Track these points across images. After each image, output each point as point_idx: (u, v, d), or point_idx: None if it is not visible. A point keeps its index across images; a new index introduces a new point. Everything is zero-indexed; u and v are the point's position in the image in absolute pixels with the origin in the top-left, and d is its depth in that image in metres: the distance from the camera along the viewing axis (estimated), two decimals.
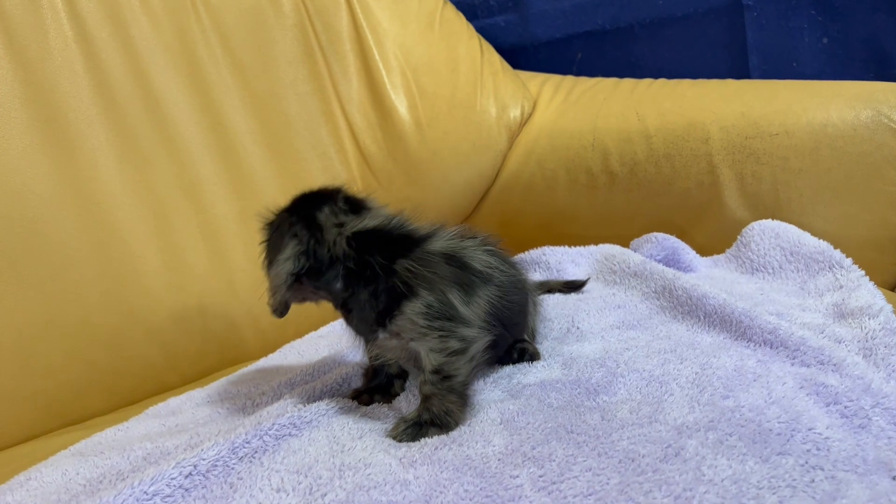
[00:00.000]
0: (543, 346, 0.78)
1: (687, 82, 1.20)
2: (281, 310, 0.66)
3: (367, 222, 0.66)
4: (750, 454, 0.52)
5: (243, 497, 0.55)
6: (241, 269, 1.06)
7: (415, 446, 0.60)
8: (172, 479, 0.56)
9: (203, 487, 0.57)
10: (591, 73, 1.38)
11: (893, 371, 0.63)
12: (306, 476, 0.56)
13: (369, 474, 0.56)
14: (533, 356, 0.75)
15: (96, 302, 0.92)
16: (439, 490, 0.53)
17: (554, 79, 1.37)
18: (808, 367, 0.65)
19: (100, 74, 0.97)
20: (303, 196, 0.70)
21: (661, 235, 1.01)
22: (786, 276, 0.89)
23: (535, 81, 1.36)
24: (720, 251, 1.02)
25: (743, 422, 0.56)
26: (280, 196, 1.12)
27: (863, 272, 0.83)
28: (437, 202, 1.26)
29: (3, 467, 0.74)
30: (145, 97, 1.01)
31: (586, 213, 1.19)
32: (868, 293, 0.77)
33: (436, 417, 0.63)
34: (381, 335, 0.65)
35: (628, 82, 1.26)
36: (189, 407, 0.79)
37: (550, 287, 0.96)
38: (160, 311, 0.97)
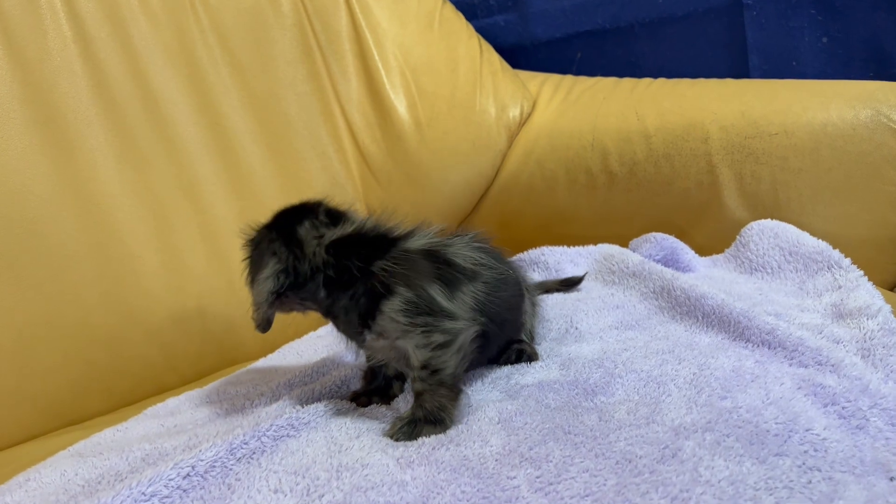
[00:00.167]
0: (542, 347, 0.79)
1: (686, 82, 1.20)
2: (264, 325, 0.67)
3: (344, 229, 0.67)
4: (747, 455, 0.52)
5: (241, 498, 0.55)
6: (240, 270, 1.05)
7: (412, 446, 0.60)
8: (170, 480, 0.56)
9: (201, 489, 0.57)
10: (591, 73, 1.38)
11: (892, 372, 0.63)
12: (304, 477, 0.56)
13: (367, 475, 0.56)
14: (531, 357, 0.75)
15: (95, 302, 0.92)
16: (436, 491, 0.53)
17: (553, 78, 1.37)
18: (806, 367, 0.65)
19: (99, 74, 0.97)
20: (284, 211, 0.70)
21: (660, 235, 1.01)
22: (784, 276, 0.89)
23: (535, 81, 1.36)
24: (719, 251, 1.02)
25: (740, 423, 0.56)
26: (279, 196, 1.13)
27: (861, 272, 0.83)
28: (437, 202, 1.26)
29: (3, 468, 0.74)
30: (144, 97, 1.01)
31: (585, 213, 1.19)
32: (867, 293, 0.77)
33: (429, 414, 0.63)
34: (368, 337, 0.65)
35: (628, 82, 1.26)
36: (188, 408, 0.79)
37: (548, 287, 0.96)
38: (159, 311, 0.97)
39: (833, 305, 0.77)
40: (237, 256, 1.06)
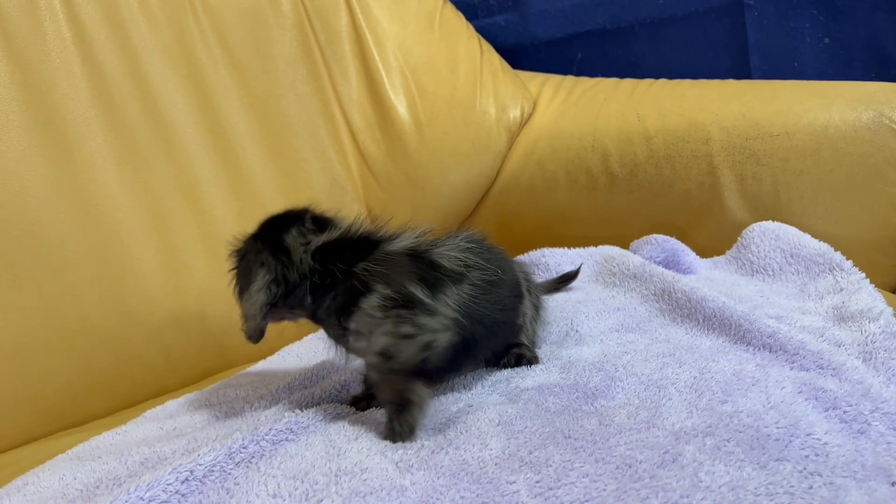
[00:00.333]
0: (542, 350, 0.78)
1: (687, 82, 1.19)
2: (257, 336, 0.67)
3: (330, 235, 0.66)
4: (748, 460, 0.52)
5: (240, 503, 0.54)
6: None
7: (411, 449, 0.60)
8: (169, 484, 0.56)
9: (199, 493, 0.57)
10: (592, 73, 1.38)
11: (893, 375, 0.63)
12: (303, 481, 0.56)
13: (366, 479, 0.56)
14: (530, 361, 0.74)
15: (95, 304, 0.92)
16: (436, 496, 0.53)
17: (554, 79, 1.37)
18: (807, 371, 0.64)
19: (98, 76, 0.97)
20: (270, 220, 0.70)
21: (661, 237, 1.01)
22: (786, 279, 0.89)
23: (536, 81, 1.36)
24: (720, 252, 1.01)
25: (741, 427, 0.56)
26: (279, 196, 1.13)
27: (863, 275, 0.82)
28: (437, 203, 1.25)
29: (1, 471, 0.74)
30: (144, 98, 1.01)
31: (586, 215, 1.19)
32: (868, 296, 0.77)
33: (393, 403, 0.62)
34: (350, 338, 0.65)
35: (629, 82, 1.26)
36: (187, 410, 0.78)
37: (546, 288, 0.95)
38: (159, 312, 0.97)
39: (834, 308, 0.77)
40: None
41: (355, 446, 0.61)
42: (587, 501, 0.50)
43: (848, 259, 0.85)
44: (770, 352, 0.69)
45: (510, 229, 1.27)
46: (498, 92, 1.29)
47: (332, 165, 1.21)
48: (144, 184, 0.99)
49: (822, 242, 0.89)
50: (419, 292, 0.62)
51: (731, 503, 0.48)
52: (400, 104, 1.25)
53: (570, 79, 1.36)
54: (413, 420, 0.62)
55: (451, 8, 1.36)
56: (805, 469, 0.51)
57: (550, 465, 0.54)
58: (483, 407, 0.66)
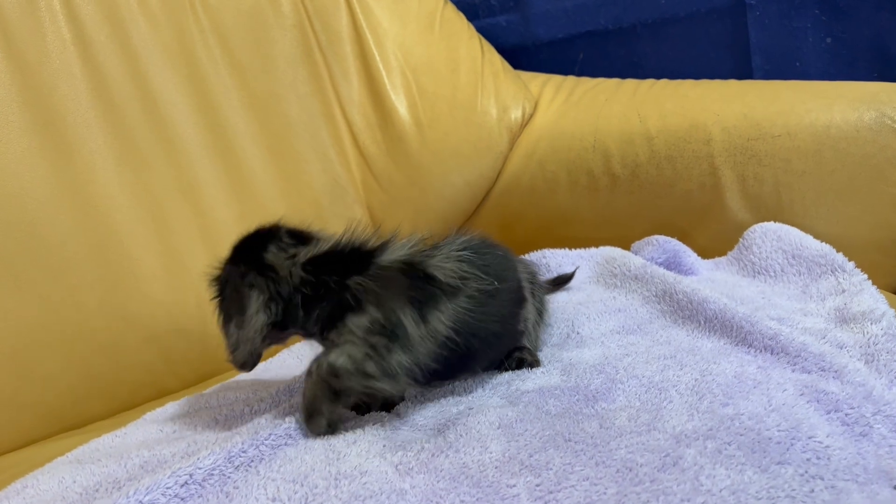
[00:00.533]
0: (543, 352, 0.78)
1: (689, 83, 1.19)
2: (252, 362, 0.65)
3: (320, 247, 0.65)
4: (749, 464, 0.52)
5: None
6: None
7: (411, 452, 0.60)
8: (168, 488, 0.56)
9: (199, 497, 0.56)
10: (593, 74, 1.37)
11: (895, 378, 0.63)
12: (302, 485, 0.56)
13: (365, 483, 0.55)
14: (532, 366, 0.74)
15: (95, 306, 0.92)
16: (436, 500, 0.52)
17: (555, 79, 1.36)
18: (808, 373, 0.64)
19: (98, 77, 0.97)
20: (242, 241, 0.68)
21: (662, 238, 1.01)
22: (788, 280, 0.88)
23: (537, 82, 1.36)
24: (722, 253, 1.01)
25: (742, 430, 0.56)
26: (280, 198, 1.13)
27: (865, 276, 0.82)
28: (438, 204, 1.25)
29: (1, 474, 0.74)
30: (144, 99, 1.01)
31: (587, 216, 1.19)
32: (871, 297, 0.77)
33: (304, 407, 0.64)
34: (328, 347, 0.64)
35: (630, 83, 1.26)
36: (187, 413, 0.78)
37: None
38: (159, 315, 0.97)
39: (836, 310, 0.77)
40: None
41: (354, 450, 0.61)
42: None
43: (850, 260, 0.85)
44: (772, 354, 0.68)
45: (511, 230, 1.27)
46: (499, 92, 1.29)
47: (333, 166, 1.21)
48: (144, 185, 0.99)
49: (823, 243, 0.89)
50: (408, 320, 0.61)
51: None
52: (401, 105, 1.24)
53: (571, 79, 1.35)
54: (315, 429, 0.63)
55: (452, 8, 1.36)
56: (807, 472, 0.50)
57: (551, 469, 0.54)
58: (483, 410, 0.65)
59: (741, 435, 0.55)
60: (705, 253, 1.02)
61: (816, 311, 0.78)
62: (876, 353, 0.66)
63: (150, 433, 0.74)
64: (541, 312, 0.79)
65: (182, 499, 0.56)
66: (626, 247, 1.04)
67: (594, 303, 0.89)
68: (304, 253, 0.65)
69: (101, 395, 0.92)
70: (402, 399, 0.71)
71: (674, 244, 0.99)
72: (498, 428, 0.61)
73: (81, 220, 0.92)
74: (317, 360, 0.63)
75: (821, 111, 0.99)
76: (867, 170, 0.95)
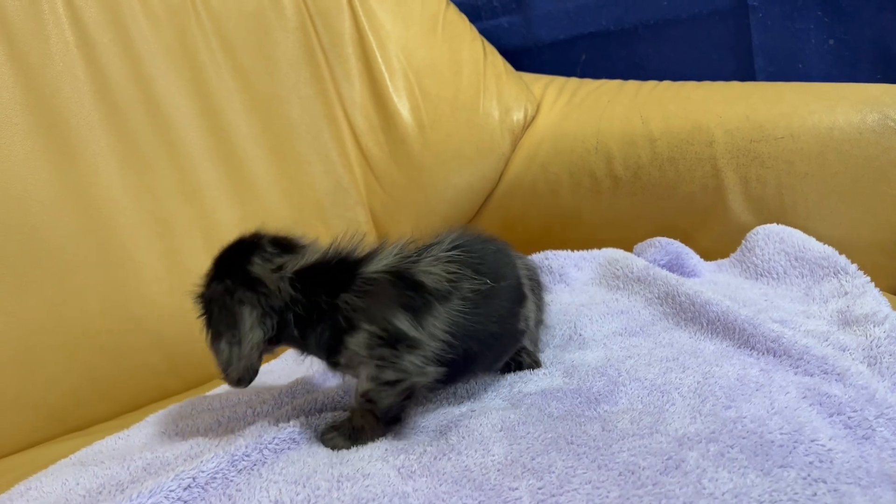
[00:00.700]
0: (545, 354, 0.78)
1: (691, 84, 1.19)
2: (249, 378, 0.63)
3: (307, 259, 0.63)
4: (751, 467, 0.52)
5: None
6: None
7: (413, 455, 0.60)
8: (171, 491, 0.56)
9: (202, 500, 0.57)
10: (596, 75, 1.37)
11: None
12: (304, 487, 0.56)
13: (367, 486, 0.55)
14: (531, 367, 0.74)
15: (98, 308, 0.92)
16: (438, 503, 0.53)
17: (558, 81, 1.36)
18: (811, 376, 0.64)
19: (101, 79, 0.97)
20: (224, 254, 0.66)
21: (664, 240, 1.01)
22: (790, 282, 0.88)
23: (539, 83, 1.36)
24: (724, 255, 1.01)
25: (744, 433, 0.55)
26: (282, 200, 1.13)
27: (868, 278, 0.82)
28: (440, 206, 1.25)
29: (4, 475, 0.74)
30: (146, 101, 1.01)
31: (590, 217, 1.19)
32: (873, 300, 0.77)
33: (349, 430, 0.64)
34: (341, 370, 0.65)
35: (632, 84, 1.26)
36: (190, 415, 0.78)
37: None
38: (162, 316, 0.97)
39: (839, 312, 0.77)
40: None
41: (357, 453, 0.61)
42: None
43: (853, 262, 0.85)
44: (774, 356, 0.68)
45: (513, 232, 1.27)
46: (501, 94, 1.29)
47: (336, 168, 1.21)
48: (147, 187, 0.99)
49: (826, 245, 0.89)
50: (404, 325, 0.60)
51: None
52: (403, 107, 1.25)
53: (573, 81, 1.35)
54: (359, 443, 0.64)
55: (454, 10, 1.36)
56: (809, 475, 0.51)
57: (553, 472, 0.54)
58: (485, 412, 0.65)
59: (744, 438, 0.55)
60: (708, 255, 1.02)
61: (819, 313, 0.78)
62: (879, 356, 0.66)
63: (153, 435, 0.74)
64: (541, 311, 0.76)
65: (185, 501, 0.56)
66: (629, 248, 1.04)
67: (596, 304, 0.89)
68: (291, 265, 0.63)
69: (105, 397, 0.93)
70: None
71: (676, 246, 0.99)
72: (500, 430, 0.62)
73: (84, 222, 0.92)
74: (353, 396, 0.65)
75: (824, 113, 0.99)
76: (870, 172, 0.95)
